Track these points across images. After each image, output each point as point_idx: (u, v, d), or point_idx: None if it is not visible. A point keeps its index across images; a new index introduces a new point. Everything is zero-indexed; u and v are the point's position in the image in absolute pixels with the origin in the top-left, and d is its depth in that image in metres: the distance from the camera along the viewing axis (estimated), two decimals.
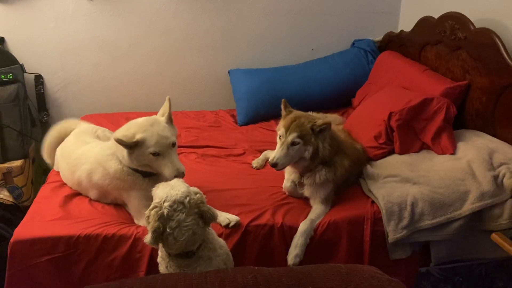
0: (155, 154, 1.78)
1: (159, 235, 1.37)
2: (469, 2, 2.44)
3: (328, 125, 1.93)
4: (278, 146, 1.94)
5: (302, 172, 1.99)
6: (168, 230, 1.35)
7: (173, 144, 1.83)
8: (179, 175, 1.76)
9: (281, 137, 1.95)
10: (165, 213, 1.35)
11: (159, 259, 1.58)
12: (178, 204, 1.37)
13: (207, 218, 1.42)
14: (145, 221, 1.44)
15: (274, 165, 1.91)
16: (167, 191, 1.40)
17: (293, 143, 1.91)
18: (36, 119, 2.97)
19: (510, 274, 2.01)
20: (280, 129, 1.96)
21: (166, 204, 1.36)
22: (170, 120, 1.90)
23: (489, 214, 1.88)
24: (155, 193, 1.46)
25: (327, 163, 1.97)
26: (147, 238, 1.39)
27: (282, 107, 2.05)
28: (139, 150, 1.79)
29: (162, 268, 1.53)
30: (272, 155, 1.94)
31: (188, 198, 1.39)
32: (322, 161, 1.96)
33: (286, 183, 2.06)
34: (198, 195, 1.44)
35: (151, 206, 1.40)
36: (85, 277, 1.78)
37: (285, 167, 1.95)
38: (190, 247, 1.40)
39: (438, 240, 1.88)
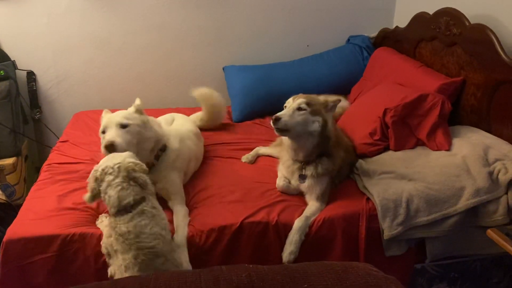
0: (103, 132, 1.85)
1: (97, 194, 1.62)
2: None
3: (339, 100, 1.96)
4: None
5: (305, 158, 1.96)
6: (101, 189, 1.61)
7: (122, 125, 1.83)
8: (107, 143, 1.77)
9: (287, 105, 1.93)
10: (98, 176, 1.61)
11: (103, 241, 1.68)
12: (109, 169, 1.60)
13: (140, 183, 1.62)
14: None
15: (277, 119, 1.85)
16: (105, 160, 1.65)
17: (299, 108, 1.89)
18: (28, 116, 2.94)
19: (505, 270, 2.01)
20: (288, 100, 1.96)
21: (100, 169, 1.62)
22: (138, 111, 1.93)
23: (484, 210, 1.88)
24: (99, 163, 1.67)
25: (328, 153, 1.96)
26: (86, 196, 1.65)
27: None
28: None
29: (112, 235, 1.61)
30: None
31: (118, 165, 1.61)
32: (326, 148, 1.95)
33: (279, 182, 2.05)
34: (130, 163, 1.63)
35: (92, 171, 1.65)
36: (79, 276, 1.76)
37: (287, 129, 1.87)
38: (124, 200, 1.58)
39: (433, 237, 1.88)
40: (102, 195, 1.62)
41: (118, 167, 1.60)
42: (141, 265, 1.53)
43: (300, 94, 2.00)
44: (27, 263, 1.73)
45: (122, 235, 1.55)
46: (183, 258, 1.71)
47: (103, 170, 1.61)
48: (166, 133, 2.05)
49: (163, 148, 1.99)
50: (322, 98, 2.05)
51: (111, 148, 1.76)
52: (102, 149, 1.80)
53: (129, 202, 1.58)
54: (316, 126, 1.90)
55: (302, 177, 1.97)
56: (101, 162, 1.66)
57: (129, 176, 1.60)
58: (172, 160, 2.00)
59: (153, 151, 1.95)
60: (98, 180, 1.61)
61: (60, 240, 1.73)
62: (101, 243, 1.71)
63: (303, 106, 1.89)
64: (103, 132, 1.85)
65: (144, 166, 1.67)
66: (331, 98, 1.98)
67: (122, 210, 1.58)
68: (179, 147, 2.06)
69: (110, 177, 1.59)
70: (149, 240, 1.55)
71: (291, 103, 1.92)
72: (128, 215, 1.57)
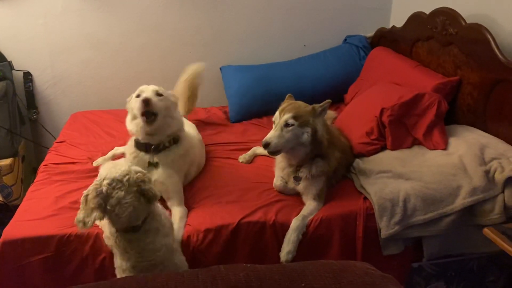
0: (137, 96, 1.93)
1: (103, 211, 1.41)
2: None
3: (328, 103, 1.93)
4: (272, 129, 1.92)
5: (299, 163, 1.97)
6: (108, 207, 1.40)
7: (157, 93, 1.94)
8: (144, 100, 1.86)
9: (275, 121, 1.93)
10: (104, 190, 1.40)
11: (105, 236, 1.63)
12: (117, 182, 1.42)
13: (149, 197, 1.47)
14: (82, 199, 1.44)
15: (266, 144, 1.86)
16: (108, 170, 1.45)
17: (286, 124, 1.88)
18: (25, 117, 2.94)
19: (501, 268, 2.02)
20: (275, 114, 1.95)
21: (105, 182, 1.41)
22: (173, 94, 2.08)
23: (480, 209, 1.89)
24: (100, 172, 1.49)
25: (322, 155, 1.96)
26: (90, 218, 1.40)
27: (285, 100, 2.04)
28: (131, 103, 1.97)
29: (111, 243, 1.56)
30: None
31: (127, 177, 1.43)
32: (320, 151, 1.94)
33: (276, 182, 2.05)
34: (139, 174, 1.47)
35: (93, 184, 1.44)
36: (77, 276, 1.76)
37: (278, 150, 1.90)
38: (134, 222, 1.45)
39: (430, 235, 1.89)
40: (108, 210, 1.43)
41: (127, 180, 1.43)
42: (138, 272, 1.50)
43: (286, 104, 1.97)
44: (24, 263, 1.73)
45: (123, 248, 1.50)
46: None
47: (109, 184, 1.41)
48: (184, 128, 2.13)
49: (176, 140, 2.02)
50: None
51: (147, 102, 1.86)
52: (138, 104, 1.88)
53: (138, 225, 1.48)
54: (305, 137, 1.89)
55: (297, 179, 1.97)
56: (102, 171, 1.48)
57: (139, 190, 1.45)
58: (180, 155, 2.01)
59: (169, 136, 2.00)
60: (103, 195, 1.41)
61: (56, 241, 1.73)
62: (103, 236, 1.71)
63: (291, 121, 1.88)
64: (138, 96, 1.93)
65: (150, 176, 1.56)
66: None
67: (129, 229, 1.49)
68: (188, 147, 2.09)
69: (121, 193, 1.41)
70: (149, 254, 1.50)
71: (278, 120, 1.91)
72: (134, 235, 1.49)
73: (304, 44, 3.21)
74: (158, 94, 1.95)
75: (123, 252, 1.51)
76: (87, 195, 1.42)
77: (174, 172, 1.98)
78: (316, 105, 1.93)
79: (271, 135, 1.88)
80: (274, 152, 1.91)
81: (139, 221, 1.47)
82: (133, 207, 1.42)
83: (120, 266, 1.53)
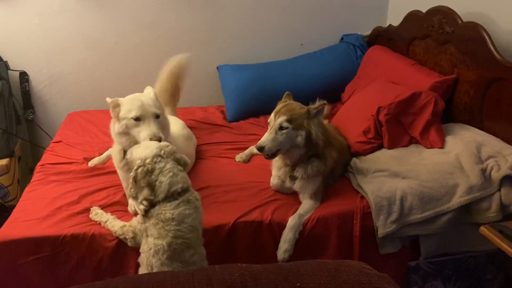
0: (137, 119, 1.83)
1: (150, 186, 1.60)
2: None
3: (324, 105, 1.93)
4: (266, 132, 1.92)
5: (295, 164, 1.97)
6: (153, 177, 1.60)
7: (157, 116, 1.86)
8: (154, 138, 1.79)
9: (270, 123, 1.94)
10: (149, 169, 1.60)
11: (139, 219, 1.67)
12: (157, 158, 1.62)
13: (181, 163, 1.68)
14: (131, 181, 1.62)
15: (260, 148, 1.88)
16: (142, 151, 1.64)
17: (281, 127, 1.89)
18: (21, 117, 2.93)
19: (498, 266, 2.02)
20: (271, 116, 1.95)
21: (147, 161, 1.61)
22: (156, 97, 1.95)
23: (477, 207, 1.89)
24: (131, 158, 1.68)
25: (318, 155, 1.96)
26: (144, 195, 1.59)
27: (283, 98, 2.04)
28: (128, 121, 1.84)
29: (142, 226, 1.64)
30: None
31: (162, 151, 1.64)
32: (316, 151, 1.94)
33: (273, 181, 2.05)
34: (169, 146, 1.68)
35: (136, 167, 1.61)
36: (73, 276, 1.76)
37: (273, 152, 1.91)
38: (174, 186, 1.60)
39: (427, 234, 1.89)
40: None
41: (164, 153, 1.63)
42: (172, 252, 1.54)
43: (281, 105, 1.97)
44: (20, 264, 1.72)
45: (164, 221, 1.56)
46: None
47: (151, 161, 1.60)
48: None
49: None
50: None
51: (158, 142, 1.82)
52: (147, 140, 1.80)
53: (177, 189, 1.60)
54: (299, 140, 1.90)
55: (293, 178, 1.98)
56: (135, 155, 1.65)
57: (174, 159, 1.64)
58: None
59: None
60: (149, 172, 1.60)
61: (52, 241, 1.73)
62: (111, 228, 1.75)
63: (285, 124, 1.89)
64: (137, 119, 1.84)
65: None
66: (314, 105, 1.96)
67: (170, 196, 1.60)
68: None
69: (161, 164, 1.61)
70: (187, 231, 1.57)
71: (273, 122, 1.92)
72: (175, 202, 1.59)
73: (301, 43, 3.20)
74: (157, 116, 1.87)
75: (162, 227, 1.56)
76: (135, 176, 1.61)
77: None
78: (311, 107, 1.93)
79: (265, 138, 1.89)
80: (270, 156, 1.92)
81: (178, 185, 1.61)
82: (172, 173, 1.61)
83: (153, 248, 1.55)
